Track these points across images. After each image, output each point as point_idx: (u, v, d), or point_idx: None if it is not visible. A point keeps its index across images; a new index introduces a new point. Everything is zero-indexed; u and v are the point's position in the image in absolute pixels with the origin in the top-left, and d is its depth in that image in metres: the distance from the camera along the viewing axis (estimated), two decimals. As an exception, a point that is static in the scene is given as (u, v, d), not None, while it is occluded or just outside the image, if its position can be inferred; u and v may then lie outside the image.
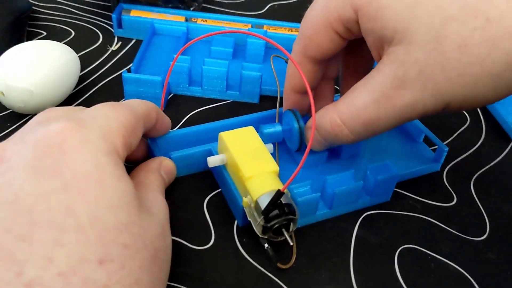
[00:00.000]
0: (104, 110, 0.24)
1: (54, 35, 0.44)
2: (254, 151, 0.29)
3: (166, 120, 0.30)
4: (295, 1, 0.53)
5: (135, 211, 0.21)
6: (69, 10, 0.48)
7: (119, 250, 0.19)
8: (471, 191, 0.33)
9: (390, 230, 0.30)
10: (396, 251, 0.28)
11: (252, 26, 0.44)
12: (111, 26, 0.45)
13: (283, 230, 0.26)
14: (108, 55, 0.42)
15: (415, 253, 0.28)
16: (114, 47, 0.43)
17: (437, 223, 0.30)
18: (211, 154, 0.31)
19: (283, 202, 0.25)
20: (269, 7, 0.52)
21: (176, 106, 0.37)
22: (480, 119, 0.40)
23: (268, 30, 0.44)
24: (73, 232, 0.19)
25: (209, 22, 0.44)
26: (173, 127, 0.35)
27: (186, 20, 0.44)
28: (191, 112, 0.37)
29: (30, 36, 0.43)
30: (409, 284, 0.27)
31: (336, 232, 0.29)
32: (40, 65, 0.33)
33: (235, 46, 0.42)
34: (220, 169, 0.30)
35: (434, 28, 0.21)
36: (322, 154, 0.32)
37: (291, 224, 0.26)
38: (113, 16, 0.43)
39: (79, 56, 0.38)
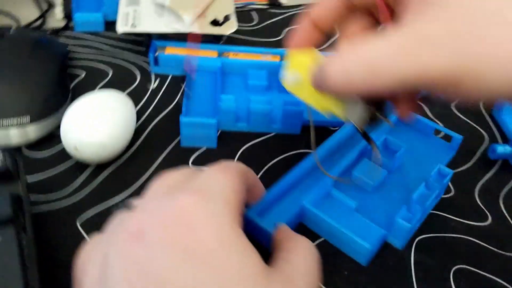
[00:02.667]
0: (217, 178, 0.25)
1: (93, 75, 0.45)
2: None
3: (261, 184, 0.31)
4: (308, 24, 0.56)
5: (263, 284, 0.23)
6: (100, 48, 0.49)
7: None
8: (502, 209, 0.38)
9: (441, 253, 0.34)
10: (450, 273, 0.33)
11: (281, 58, 0.47)
12: (143, 61, 0.47)
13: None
14: (150, 93, 0.44)
15: (467, 274, 0.33)
16: (154, 85, 0.45)
17: (480, 242, 0.35)
18: (304, 210, 0.33)
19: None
20: (285, 32, 0.55)
21: (226, 143, 0.40)
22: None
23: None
24: None
25: (240, 56, 0.47)
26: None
27: (219, 55, 0.47)
28: (242, 148, 0.40)
29: (71, 79, 0.45)
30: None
31: (395, 260, 0.33)
32: (107, 117, 0.35)
33: (269, 76, 0.45)
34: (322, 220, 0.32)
35: None
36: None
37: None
38: (150, 55, 0.45)
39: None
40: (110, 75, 0.46)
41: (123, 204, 0.26)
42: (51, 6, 0.54)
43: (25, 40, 0.41)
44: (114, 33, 0.51)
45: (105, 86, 0.44)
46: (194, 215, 0.23)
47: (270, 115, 0.41)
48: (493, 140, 0.44)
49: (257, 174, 0.38)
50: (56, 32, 0.50)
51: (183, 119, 0.38)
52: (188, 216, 0.23)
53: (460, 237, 0.35)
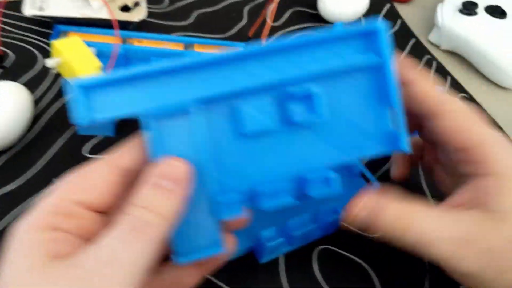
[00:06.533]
0: None
1: (-7, 57, 0.45)
2: (81, 53, 0.39)
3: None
4: (219, 9, 0.58)
5: None
6: (3, 28, 0.49)
7: None
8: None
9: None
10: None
11: (185, 47, 0.49)
12: (47, 44, 0.48)
13: None
14: (52, 78, 0.45)
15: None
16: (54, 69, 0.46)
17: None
18: None
19: None
20: (196, 16, 0.56)
21: (126, 131, 0.42)
22: None
23: (198, 51, 0.49)
24: None
25: (144, 43, 0.48)
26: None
27: (124, 42, 0.48)
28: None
29: (-31, 60, 0.45)
30: None
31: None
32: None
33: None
34: None
35: None
36: None
37: None
38: (52, 40, 0.46)
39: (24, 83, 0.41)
40: (12, 58, 0.46)
41: None
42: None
43: None
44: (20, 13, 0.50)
45: (6, 69, 0.45)
46: None
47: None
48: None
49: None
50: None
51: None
52: None
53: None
